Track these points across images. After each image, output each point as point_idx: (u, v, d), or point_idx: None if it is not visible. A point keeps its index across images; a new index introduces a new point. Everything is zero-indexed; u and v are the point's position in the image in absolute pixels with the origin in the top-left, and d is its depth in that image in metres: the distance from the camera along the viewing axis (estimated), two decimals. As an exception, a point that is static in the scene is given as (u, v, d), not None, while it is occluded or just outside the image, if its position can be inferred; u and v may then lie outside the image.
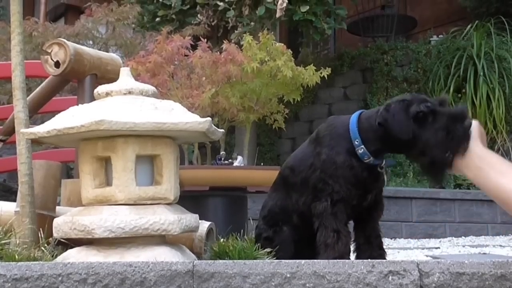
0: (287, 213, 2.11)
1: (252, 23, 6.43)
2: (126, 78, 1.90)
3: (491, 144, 6.69)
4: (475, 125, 1.72)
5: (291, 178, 2.11)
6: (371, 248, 2.06)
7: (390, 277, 1.40)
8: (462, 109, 1.79)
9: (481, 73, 6.90)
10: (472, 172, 1.62)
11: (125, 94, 1.84)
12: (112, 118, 1.63)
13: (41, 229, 1.89)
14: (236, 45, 4.10)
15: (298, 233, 2.10)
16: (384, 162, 1.99)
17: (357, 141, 1.93)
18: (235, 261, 1.41)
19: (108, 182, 1.79)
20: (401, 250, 4.16)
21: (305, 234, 2.06)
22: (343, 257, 1.89)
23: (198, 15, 6.82)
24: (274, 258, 1.99)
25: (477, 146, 1.65)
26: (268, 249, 2.04)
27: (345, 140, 1.95)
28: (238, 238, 2.12)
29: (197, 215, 1.89)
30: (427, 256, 3.71)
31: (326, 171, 1.96)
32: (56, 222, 1.78)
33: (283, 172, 2.18)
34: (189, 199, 2.62)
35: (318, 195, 1.97)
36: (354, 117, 1.98)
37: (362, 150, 1.92)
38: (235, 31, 6.49)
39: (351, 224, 2.15)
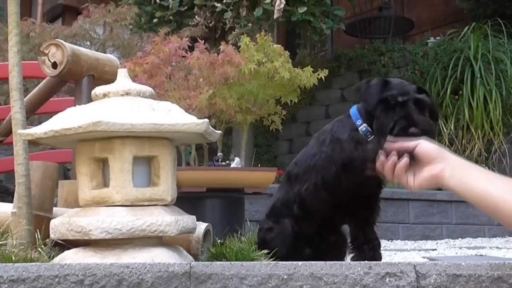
0: (289, 205, 2.15)
1: (250, 24, 6.43)
2: (123, 79, 1.90)
3: (488, 146, 6.71)
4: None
5: (295, 170, 2.17)
6: (374, 249, 2.08)
7: (387, 278, 1.40)
8: (428, 122, 1.81)
9: (478, 75, 6.90)
10: (456, 181, 1.57)
11: (122, 95, 1.84)
12: (109, 119, 1.63)
13: (38, 230, 1.89)
14: (233, 47, 4.10)
15: (299, 225, 2.14)
16: None
17: (359, 121, 2.00)
18: (232, 262, 1.41)
19: (105, 183, 1.79)
20: (398, 252, 4.17)
21: (306, 228, 2.11)
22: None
23: (196, 17, 6.82)
24: (274, 247, 2.02)
25: (457, 159, 1.60)
26: (269, 238, 2.09)
27: (348, 123, 2.03)
28: (235, 239, 2.13)
29: (194, 217, 1.89)
30: (424, 257, 3.71)
31: (333, 154, 2.02)
32: (53, 223, 1.77)
33: (288, 169, 2.24)
34: (186, 200, 2.62)
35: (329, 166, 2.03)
36: (353, 107, 2.07)
37: (364, 128, 1.98)
38: (233, 32, 6.49)
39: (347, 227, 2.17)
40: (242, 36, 4.29)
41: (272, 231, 2.14)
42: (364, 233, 2.11)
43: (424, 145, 1.54)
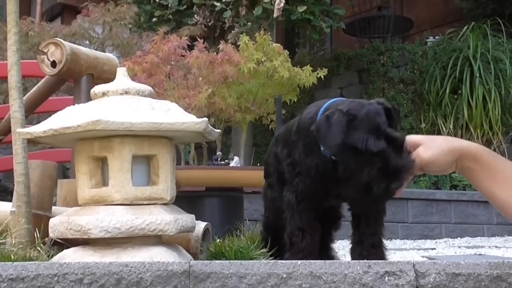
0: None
1: (249, 23, 6.43)
2: (122, 78, 1.90)
3: (487, 145, 6.71)
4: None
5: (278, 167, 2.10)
6: (362, 247, 2.02)
7: (386, 277, 1.40)
8: (408, 164, 1.58)
9: (477, 74, 6.91)
10: (465, 172, 1.59)
11: (121, 94, 1.83)
12: (108, 118, 1.63)
13: (37, 229, 1.88)
14: (232, 46, 4.11)
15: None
16: None
17: None
18: (232, 261, 1.41)
19: (104, 182, 1.78)
20: (397, 251, 4.17)
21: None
22: (309, 256, 1.86)
23: (195, 16, 6.82)
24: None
25: (471, 145, 1.58)
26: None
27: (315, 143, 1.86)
28: (234, 238, 2.12)
29: (193, 216, 1.89)
30: (423, 257, 3.71)
31: (296, 165, 1.92)
32: (52, 222, 1.77)
33: (266, 160, 2.20)
34: (186, 199, 2.62)
35: (288, 186, 1.96)
36: (323, 108, 1.79)
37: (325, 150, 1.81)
38: (232, 31, 6.50)
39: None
40: (241, 35, 4.30)
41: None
42: (360, 229, 2.00)
43: (436, 162, 1.55)
